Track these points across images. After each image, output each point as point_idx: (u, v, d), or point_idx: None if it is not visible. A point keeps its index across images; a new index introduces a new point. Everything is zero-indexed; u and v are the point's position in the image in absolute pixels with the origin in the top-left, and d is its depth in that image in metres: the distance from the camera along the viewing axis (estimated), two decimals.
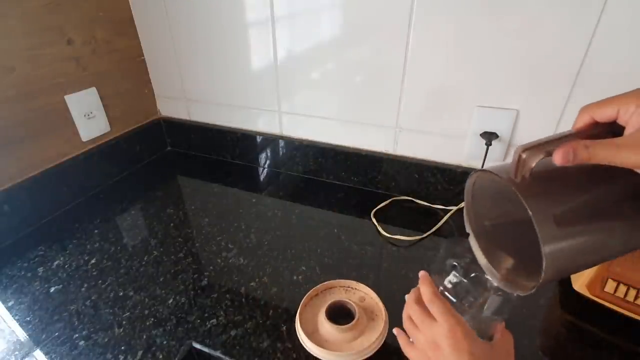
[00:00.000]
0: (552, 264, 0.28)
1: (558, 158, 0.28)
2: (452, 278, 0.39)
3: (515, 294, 0.36)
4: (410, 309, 0.42)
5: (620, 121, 0.28)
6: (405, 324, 0.43)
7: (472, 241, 0.39)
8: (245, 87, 0.90)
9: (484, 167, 0.34)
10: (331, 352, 0.50)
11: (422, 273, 0.42)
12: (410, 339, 0.43)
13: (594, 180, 0.29)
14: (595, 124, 0.29)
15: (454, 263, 0.40)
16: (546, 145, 0.28)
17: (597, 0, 0.56)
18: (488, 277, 0.38)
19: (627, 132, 0.27)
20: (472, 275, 0.40)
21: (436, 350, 0.38)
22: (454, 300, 0.39)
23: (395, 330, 0.45)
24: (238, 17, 0.81)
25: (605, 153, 0.27)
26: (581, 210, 0.29)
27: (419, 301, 0.41)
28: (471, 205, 0.38)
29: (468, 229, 0.39)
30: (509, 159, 0.31)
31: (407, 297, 0.44)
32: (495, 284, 0.37)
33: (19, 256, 0.70)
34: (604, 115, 0.28)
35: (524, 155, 0.28)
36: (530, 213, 0.28)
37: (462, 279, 0.38)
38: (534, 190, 0.29)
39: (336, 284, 0.61)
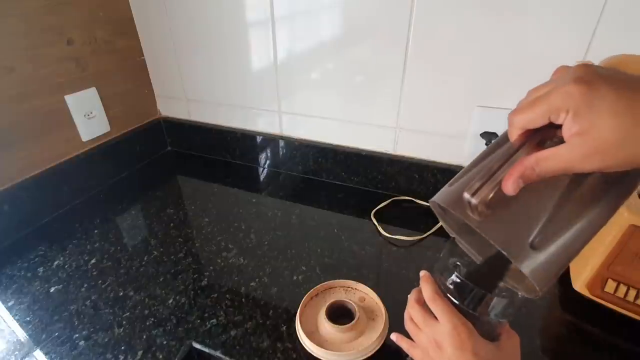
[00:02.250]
0: (543, 279, 0.28)
1: (509, 189, 0.27)
2: (454, 278, 0.38)
3: (520, 295, 0.35)
4: (411, 310, 0.41)
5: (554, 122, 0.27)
6: (407, 324, 0.42)
7: (462, 244, 0.38)
8: (245, 87, 0.90)
9: (436, 197, 0.34)
10: (331, 352, 0.50)
11: (423, 272, 0.42)
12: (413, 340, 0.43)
13: (550, 184, 0.28)
14: (533, 131, 0.28)
15: (457, 262, 0.39)
16: (493, 178, 0.28)
17: (598, 0, 0.56)
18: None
19: (565, 133, 0.25)
20: None
21: (438, 350, 0.37)
22: (457, 302, 0.38)
23: (393, 337, 0.45)
24: (238, 17, 0.81)
25: (554, 167, 0.26)
26: (551, 224, 0.28)
27: (420, 301, 0.41)
28: (444, 214, 0.38)
29: (452, 234, 0.39)
30: None
31: (409, 297, 0.43)
32: (499, 284, 0.36)
33: (19, 256, 0.70)
34: (536, 125, 0.27)
35: (474, 201, 0.27)
36: (505, 254, 0.28)
37: (465, 279, 0.37)
38: (498, 223, 0.28)
39: (336, 284, 0.61)
